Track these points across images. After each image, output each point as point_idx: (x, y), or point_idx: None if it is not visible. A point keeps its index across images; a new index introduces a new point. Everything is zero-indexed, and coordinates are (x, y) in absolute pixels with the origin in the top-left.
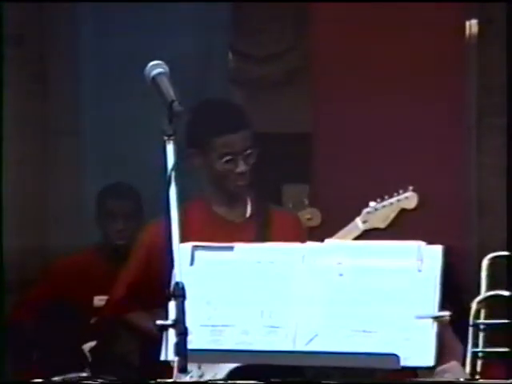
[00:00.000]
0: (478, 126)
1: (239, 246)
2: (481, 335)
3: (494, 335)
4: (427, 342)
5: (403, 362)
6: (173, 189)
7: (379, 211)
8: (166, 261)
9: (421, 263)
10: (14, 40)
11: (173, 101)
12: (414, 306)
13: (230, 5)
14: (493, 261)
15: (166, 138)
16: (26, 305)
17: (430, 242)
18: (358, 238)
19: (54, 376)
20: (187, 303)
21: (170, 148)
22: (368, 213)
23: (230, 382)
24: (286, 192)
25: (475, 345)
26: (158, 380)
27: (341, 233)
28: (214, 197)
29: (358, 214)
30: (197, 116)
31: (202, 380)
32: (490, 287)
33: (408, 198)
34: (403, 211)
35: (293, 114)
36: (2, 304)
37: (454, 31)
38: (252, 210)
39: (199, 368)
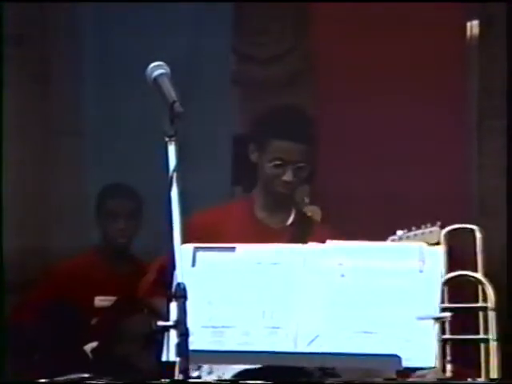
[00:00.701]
0: (479, 129)
1: (241, 247)
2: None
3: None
4: (428, 342)
5: (405, 363)
6: (174, 190)
7: (402, 240)
8: None
9: (422, 264)
10: (15, 40)
11: (174, 102)
12: (415, 306)
13: (230, 5)
14: None
15: (167, 138)
16: (27, 305)
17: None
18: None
19: (55, 376)
20: (189, 304)
21: (172, 149)
22: (393, 240)
23: (233, 381)
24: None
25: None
26: (162, 380)
27: None
28: (259, 200)
29: (357, 213)
30: (267, 115)
31: (210, 375)
32: None
33: (432, 233)
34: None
35: None
36: (2, 304)
37: (455, 32)
38: (294, 219)
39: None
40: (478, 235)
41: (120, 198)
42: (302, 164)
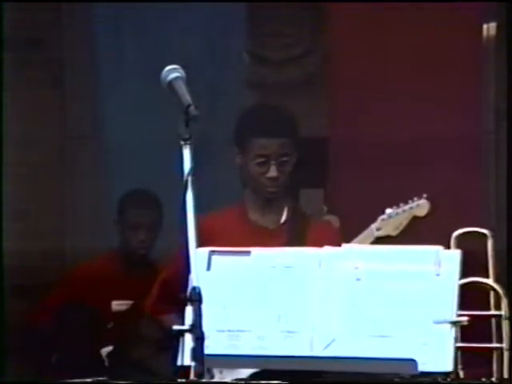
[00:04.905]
0: (497, 131)
1: (256, 251)
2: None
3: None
4: (445, 347)
5: (421, 368)
6: (189, 193)
7: (393, 219)
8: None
9: (439, 267)
10: (31, 44)
11: (189, 105)
12: (431, 310)
13: (245, 7)
14: None
15: (182, 142)
16: (44, 308)
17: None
18: (371, 244)
19: (71, 379)
20: (204, 308)
21: (187, 152)
22: (383, 220)
23: (240, 382)
24: (302, 197)
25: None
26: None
27: (357, 239)
28: (250, 202)
29: (374, 220)
30: (245, 115)
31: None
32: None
33: (420, 206)
34: (415, 219)
35: (310, 118)
36: (2, 305)
37: (472, 34)
38: (287, 218)
39: (220, 372)
40: (490, 240)
41: (143, 209)
42: (284, 158)
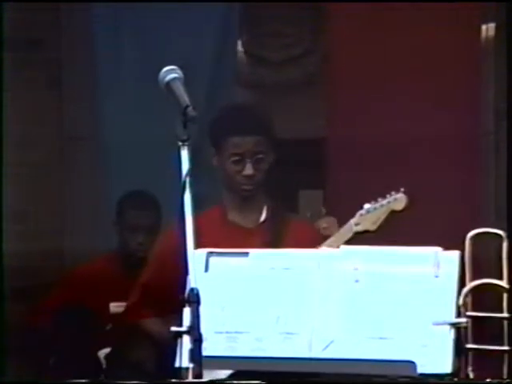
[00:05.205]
0: (496, 132)
1: (254, 252)
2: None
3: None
4: (444, 348)
5: (420, 369)
6: (187, 194)
7: (371, 213)
8: (179, 267)
9: (438, 269)
10: (30, 44)
11: (187, 106)
12: (431, 312)
13: (244, 7)
14: None
15: (180, 143)
16: (43, 309)
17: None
18: (349, 240)
19: (69, 380)
20: (202, 309)
21: (185, 153)
22: (361, 215)
23: (232, 382)
24: (301, 198)
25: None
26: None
27: (336, 235)
28: (228, 202)
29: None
30: (218, 116)
31: None
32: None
33: (397, 200)
34: (393, 213)
35: (309, 119)
36: (1, 305)
37: (471, 35)
38: (266, 217)
39: None
40: (505, 241)
41: (141, 210)
42: (260, 155)
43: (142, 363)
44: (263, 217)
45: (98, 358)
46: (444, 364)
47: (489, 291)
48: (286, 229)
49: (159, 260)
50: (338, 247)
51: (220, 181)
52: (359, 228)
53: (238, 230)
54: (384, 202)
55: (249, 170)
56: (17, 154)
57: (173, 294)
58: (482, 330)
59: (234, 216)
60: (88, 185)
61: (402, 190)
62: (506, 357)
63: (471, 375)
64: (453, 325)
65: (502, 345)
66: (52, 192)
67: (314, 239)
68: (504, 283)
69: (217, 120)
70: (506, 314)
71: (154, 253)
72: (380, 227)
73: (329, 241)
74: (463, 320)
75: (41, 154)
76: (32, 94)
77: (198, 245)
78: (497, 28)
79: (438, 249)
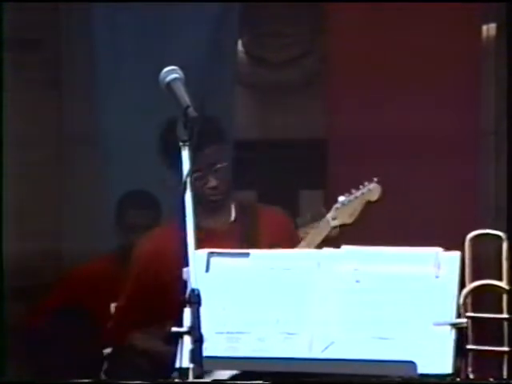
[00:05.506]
0: (496, 132)
1: (255, 253)
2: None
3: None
4: (445, 349)
5: (420, 370)
6: (188, 195)
7: (347, 206)
8: (156, 284)
9: (438, 269)
10: (32, 44)
11: (188, 106)
12: (431, 312)
13: (244, 7)
14: None
15: (181, 143)
16: (42, 309)
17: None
18: (327, 235)
19: (69, 379)
20: (203, 310)
21: (186, 154)
22: (337, 209)
23: (233, 382)
24: (302, 198)
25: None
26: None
27: (313, 232)
28: (199, 211)
29: (375, 223)
30: (167, 132)
31: None
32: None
33: (371, 190)
34: (369, 203)
35: (308, 120)
36: (1, 305)
37: (472, 35)
38: (236, 214)
39: None
40: (505, 242)
41: (141, 210)
42: (218, 165)
43: (143, 364)
44: (233, 215)
45: (97, 358)
46: (444, 364)
47: (487, 292)
48: (256, 220)
49: (135, 281)
50: (317, 244)
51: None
52: (337, 222)
53: (211, 233)
54: (358, 193)
55: (212, 182)
56: (17, 153)
57: (156, 306)
58: (482, 330)
59: (206, 222)
60: (88, 185)
61: (375, 179)
62: (505, 358)
63: (471, 376)
64: (453, 325)
65: (501, 346)
66: (52, 192)
67: (285, 223)
68: (504, 284)
69: (169, 132)
70: (505, 315)
71: (130, 274)
72: (356, 220)
73: (307, 239)
74: (464, 320)
75: (41, 154)
76: (32, 94)
77: (168, 257)
78: (498, 28)
79: (439, 249)
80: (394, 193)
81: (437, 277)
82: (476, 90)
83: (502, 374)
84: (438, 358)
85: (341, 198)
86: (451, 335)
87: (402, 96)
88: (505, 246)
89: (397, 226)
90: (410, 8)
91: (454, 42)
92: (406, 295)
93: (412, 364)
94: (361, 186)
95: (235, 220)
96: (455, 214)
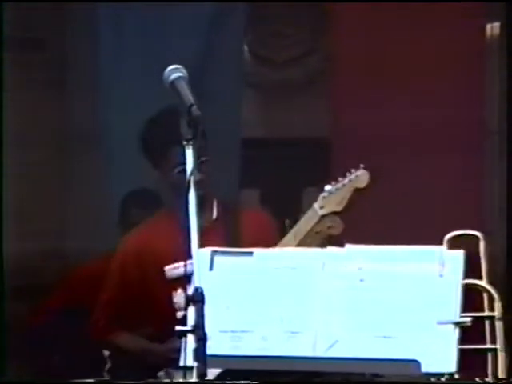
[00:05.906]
0: (497, 131)
1: (258, 252)
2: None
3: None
4: (449, 347)
5: (424, 368)
6: (192, 193)
7: (334, 194)
8: (142, 278)
9: (442, 268)
10: (34, 44)
11: (192, 105)
12: (435, 311)
13: (247, 7)
14: None
15: (184, 142)
16: (44, 310)
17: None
18: (316, 223)
19: (72, 379)
20: (206, 309)
21: (189, 152)
22: (324, 197)
23: (227, 382)
24: (305, 196)
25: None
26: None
27: (301, 222)
28: (180, 206)
29: (378, 221)
30: (150, 128)
31: None
32: None
33: (359, 177)
34: (357, 191)
35: (312, 118)
36: (2, 305)
37: (475, 34)
38: (218, 212)
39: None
40: (482, 242)
41: (144, 209)
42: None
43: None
44: (215, 213)
45: (100, 358)
46: (448, 363)
47: (475, 291)
48: (239, 221)
49: (118, 273)
50: (304, 234)
51: (168, 191)
52: (325, 211)
53: None
54: (345, 180)
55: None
56: (17, 153)
57: (137, 305)
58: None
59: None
60: (89, 185)
61: (362, 166)
62: (491, 356)
63: (456, 376)
64: (457, 324)
65: (492, 344)
66: (52, 192)
67: (267, 225)
68: (484, 283)
69: (151, 132)
70: (496, 313)
71: (112, 267)
72: (346, 208)
73: (294, 228)
74: (468, 319)
75: (41, 154)
76: (32, 94)
77: (154, 255)
78: (501, 27)
79: (443, 248)
80: (398, 191)
81: (441, 275)
82: (480, 89)
83: (490, 372)
84: (442, 356)
85: (327, 187)
86: (455, 334)
87: (406, 95)
88: (482, 245)
89: (398, 226)
90: (413, 7)
91: (456, 41)
92: (410, 294)
93: (416, 363)
94: (347, 174)
95: (217, 218)
96: (457, 213)
